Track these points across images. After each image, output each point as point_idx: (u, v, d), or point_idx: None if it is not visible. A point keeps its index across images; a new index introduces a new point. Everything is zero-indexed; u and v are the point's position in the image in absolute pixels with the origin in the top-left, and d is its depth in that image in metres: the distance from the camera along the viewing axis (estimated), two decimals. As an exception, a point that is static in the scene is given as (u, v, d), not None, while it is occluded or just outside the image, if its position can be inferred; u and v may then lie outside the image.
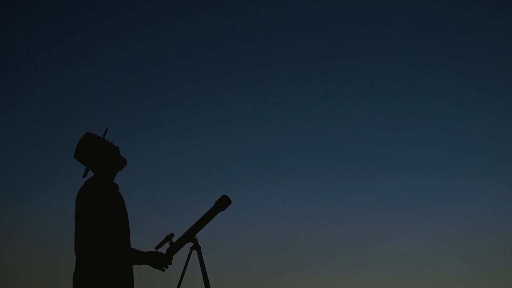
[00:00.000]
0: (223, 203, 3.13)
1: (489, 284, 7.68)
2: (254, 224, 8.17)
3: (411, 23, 8.48)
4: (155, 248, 3.07)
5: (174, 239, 3.10)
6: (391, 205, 8.40)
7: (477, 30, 8.42)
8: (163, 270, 3.06)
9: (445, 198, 8.37)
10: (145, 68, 8.55)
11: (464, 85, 8.48)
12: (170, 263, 3.07)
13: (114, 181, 3.15)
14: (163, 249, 3.09)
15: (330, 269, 7.98)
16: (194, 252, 3.10)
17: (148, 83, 8.56)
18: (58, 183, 8.12)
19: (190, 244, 3.11)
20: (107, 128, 3.14)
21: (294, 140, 8.64)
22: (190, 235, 3.09)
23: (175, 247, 3.08)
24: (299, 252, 8.03)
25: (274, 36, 8.60)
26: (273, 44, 8.60)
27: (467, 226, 8.17)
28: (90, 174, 3.12)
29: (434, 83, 8.54)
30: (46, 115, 8.43)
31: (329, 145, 8.62)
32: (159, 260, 3.02)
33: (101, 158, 3.07)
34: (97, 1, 8.45)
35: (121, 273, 2.96)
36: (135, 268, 3.10)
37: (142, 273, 3.18)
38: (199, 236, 3.11)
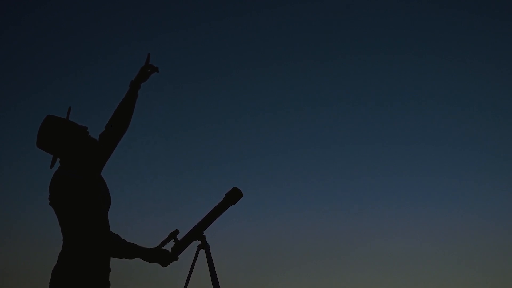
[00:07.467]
0: (234, 196, 2.90)
1: (489, 284, 7.69)
2: (254, 223, 8.16)
3: (411, 23, 8.50)
4: (157, 246, 2.81)
5: (179, 237, 2.85)
6: (390, 205, 8.40)
7: (477, 30, 8.44)
8: (164, 266, 2.81)
9: (445, 198, 8.37)
10: (145, 68, 8.53)
11: (464, 85, 8.50)
12: (177, 258, 2.85)
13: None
14: (167, 248, 2.83)
15: (331, 269, 7.98)
16: (202, 251, 2.89)
17: (148, 83, 8.55)
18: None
19: (198, 242, 2.90)
20: (70, 108, 2.82)
21: (294, 140, 8.64)
22: (197, 232, 2.87)
23: (180, 246, 2.84)
24: (299, 252, 8.02)
25: (274, 36, 8.60)
26: (273, 44, 8.61)
27: (467, 226, 8.17)
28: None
29: (434, 83, 8.56)
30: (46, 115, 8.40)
31: (329, 145, 8.62)
32: (164, 258, 2.79)
33: (68, 142, 2.74)
34: (97, 1, 8.44)
35: (102, 268, 2.74)
36: (129, 266, 2.91)
37: (147, 273, 3.08)
38: (207, 233, 2.90)
